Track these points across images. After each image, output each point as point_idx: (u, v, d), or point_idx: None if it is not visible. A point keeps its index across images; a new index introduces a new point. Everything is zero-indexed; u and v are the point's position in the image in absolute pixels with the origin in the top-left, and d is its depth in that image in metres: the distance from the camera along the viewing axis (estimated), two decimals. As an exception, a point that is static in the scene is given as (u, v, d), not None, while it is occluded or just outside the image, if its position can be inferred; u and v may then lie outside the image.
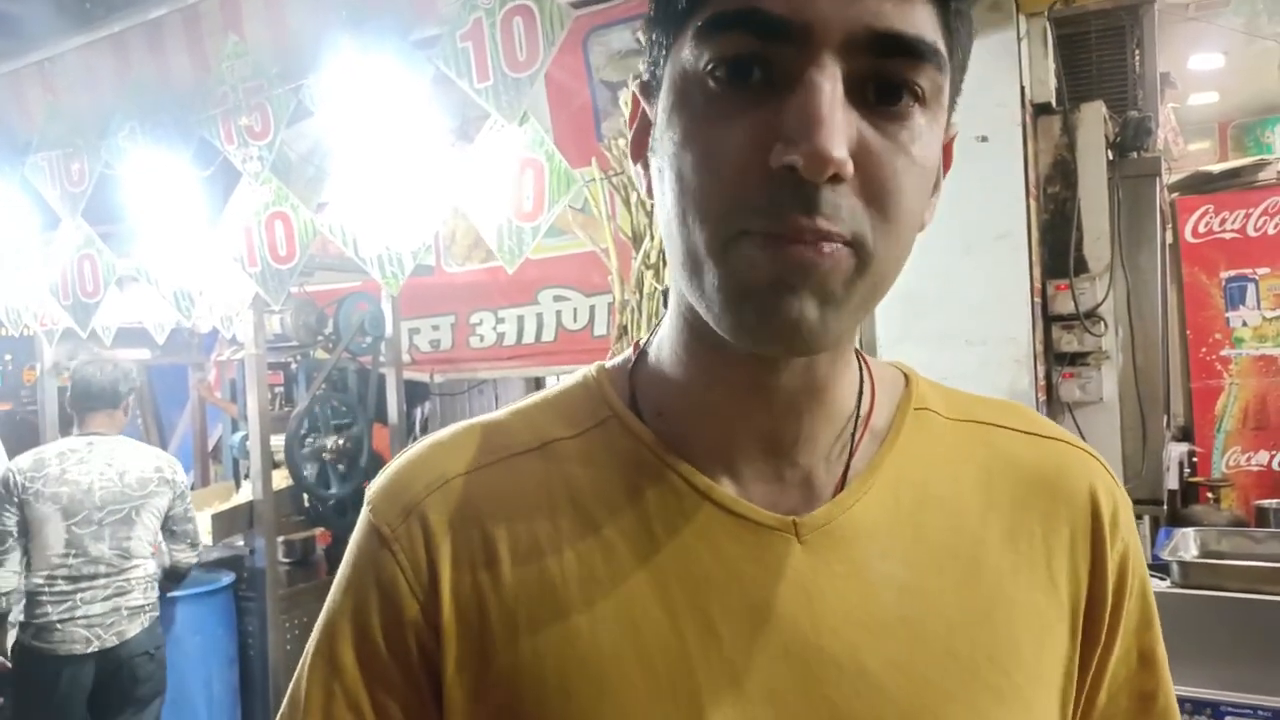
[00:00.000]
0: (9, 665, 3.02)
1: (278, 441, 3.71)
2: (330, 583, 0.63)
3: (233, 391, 4.57)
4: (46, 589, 2.91)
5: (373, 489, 0.62)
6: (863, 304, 0.51)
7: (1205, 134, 5.13)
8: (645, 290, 2.38)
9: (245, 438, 3.77)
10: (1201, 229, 3.71)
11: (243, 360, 3.66)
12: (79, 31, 3.12)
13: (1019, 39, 2.25)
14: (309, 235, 2.75)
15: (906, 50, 0.48)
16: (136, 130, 3.00)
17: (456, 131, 3.31)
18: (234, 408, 4.41)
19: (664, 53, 0.54)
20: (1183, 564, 2.11)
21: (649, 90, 0.57)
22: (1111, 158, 2.51)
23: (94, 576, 2.93)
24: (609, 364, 0.65)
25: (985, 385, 2.18)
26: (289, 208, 2.76)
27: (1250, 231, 3.65)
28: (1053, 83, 2.38)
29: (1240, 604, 1.96)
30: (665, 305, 0.62)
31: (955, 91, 0.54)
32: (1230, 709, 1.72)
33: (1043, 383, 2.35)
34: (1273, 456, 3.63)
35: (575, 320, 3.86)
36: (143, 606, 3.02)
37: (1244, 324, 3.68)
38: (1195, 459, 3.64)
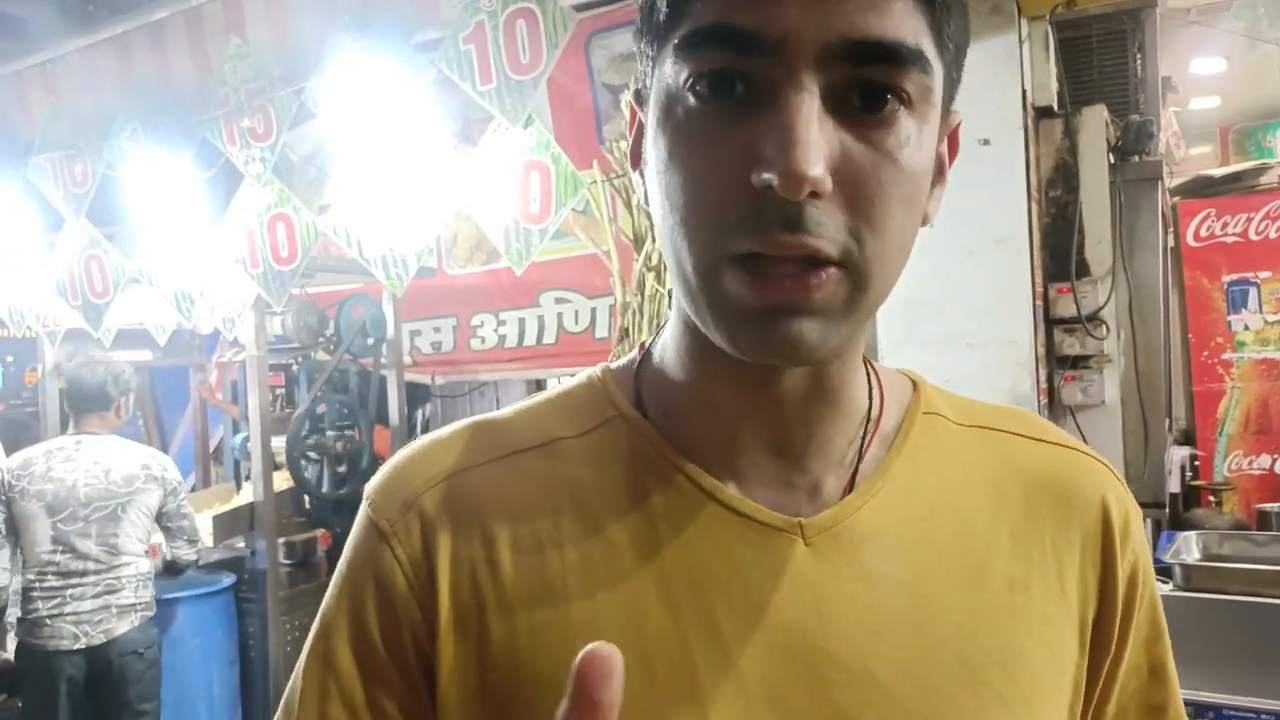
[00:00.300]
0: (10, 660, 3.04)
1: (279, 443, 3.72)
2: (331, 584, 0.62)
3: (234, 393, 4.57)
4: (38, 585, 2.95)
5: (372, 484, 0.62)
6: (864, 314, 0.51)
7: (1207, 138, 5.13)
8: (647, 292, 2.38)
9: (246, 439, 3.77)
10: (1203, 233, 3.71)
11: (244, 362, 3.66)
12: (81, 33, 3.13)
13: (1020, 42, 2.25)
14: (311, 237, 2.75)
15: (887, 57, 0.47)
16: (139, 131, 3.00)
17: (459, 134, 3.31)
18: (235, 409, 4.41)
19: (651, 64, 0.53)
20: (1185, 567, 2.11)
21: (642, 99, 0.57)
22: (1113, 161, 2.51)
23: (83, 573, 2.95)
24: (614, 365, 0.65)
25: (987, 388, 2.18)
26: (291, 209, 2.77)
27: (1252, 235, 3.65)
28: (1054, 86, 2.38)
29: (1242, 607, 1.96)
30: (669, 307, 0.62)
31: (952, 84, 0.53)
32: (1232, 712, 1.72)
33: (1044, 386, 2.35)
34: (1274, 460, 3.63)
35: (577, 322, 3.86)
36: (134, 605, 3.02)
37: (1246, 328, 3.68)
38: (1197, 463, 3.64)
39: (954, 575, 0.57)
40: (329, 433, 3.92)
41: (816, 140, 0.46)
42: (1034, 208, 2.31)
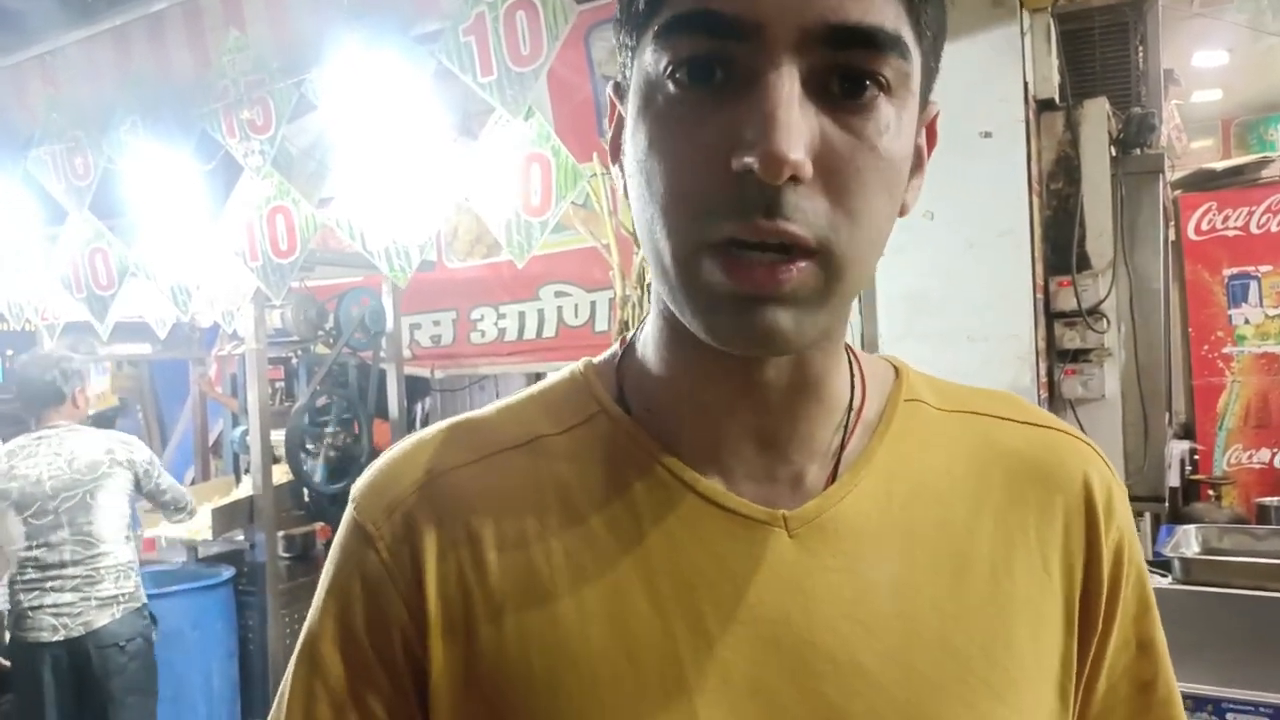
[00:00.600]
0: (6, 664, 3.05)
1: (278, 436, 3.71)
2: (328, 578, 0.62)
3: (233, 386, 4.57)
4: (19, 579, 2.98)
5: (357, 487, 0.62)
6: (840, 302, 0.51)
7: (1209, 131, 5.12)
8: (646, 285, 2.38)
9: (246, 432, 3.77)
10: (1204, 226, 3.70)
11: (243, 355, 3.66)
12: (80, 25, 3.12)
13: (1022, 34, 2.24)
14: (310, 230, 2.75)
15: (866, 42, 0.47)
16: (138, 124, 2.99)
17: (459, 127, 3.31)
18: (234, 403, 4.41)
19: (630, 55, 0.53)
20: (1184, 561, 2.11)
21: (621, 91, 0.57)
22: (1115, 154, 2.51)
23: (61, 565, 2.96)
24: (597, 359, 0.65)
25: (987, 382, 2.16)
26: (290, 202, 2.76)
27: (1253, 229, 3.64)
28: (1056, 79, 2.38)
29: (1242, 600, 1.96)
30: (650, 299, 0.62)
31: (930, 73, 0.54)
32: (1232, 705, 1.72)
33: (1045, 379, 2.35)
34: (1274, 454, 3.63)
35: (576, 316, 3.86)
36: (115, 597, 3.02)
37: (1246, 321, 3.68)
38: (1197, 457, 3.64)
39: (937, 563, 0.57)
40: (328, 426, 3.92)
41: (797, 123, 0.46)
42: (1035, 201, 2.30)
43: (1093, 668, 0.61)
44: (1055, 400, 2.40)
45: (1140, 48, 2.74)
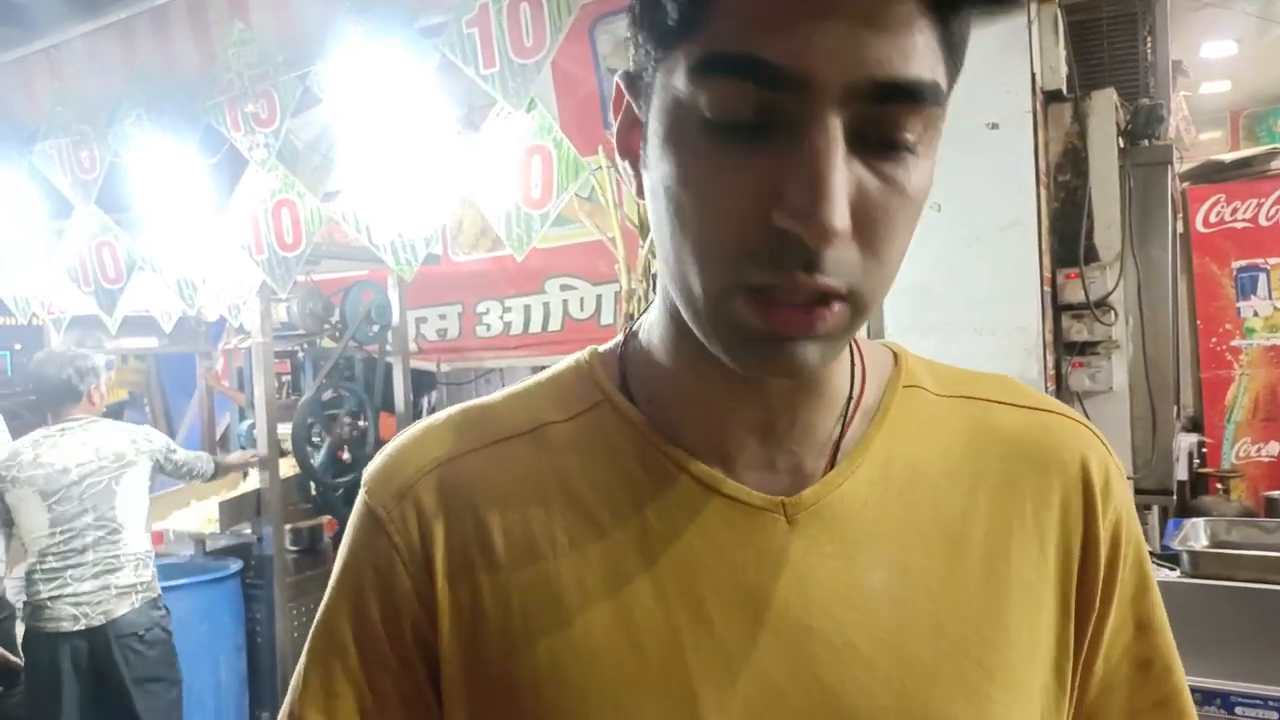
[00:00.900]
0: (19, 662, 3.06)
1: (285, 430, 3.72)
2: (337, 570, 0.63)
3: (240, 380, 4.57)
4: (39, 568, 2.99)
5: (368, 472, 0.64)
6: (858, 330, 0.53)
7: (1217, 123, 5.09)
8: (652, 278, 2.37)
9: (253, 426, 3.78)
10: (1213, 218, 3.69)
11: (250, 349, 3.67)
12: (85, 19, 3.12)
13: (1029, 25, 2.23)
14: (315, 223, 2.75)
15: (909, 96, 0.47)
16: (143, 117, 2.99)
17: (463, 120, 3.30)
18: (241, 396, 4.42)
19: (653, 62, 0.52)
20: (1192, 554, 2.10)
21: (636, 87, 0.56)
22: (1123, 146, 2.49)
23: (82, 551, 2.99)
24: (602, 348, 0.65)
25: (994, 374, 2.16)
26: (295, 195, 2.76)
27: (1262, 221, 3.63)
28: (1064, 70, 2.36)
29: (1250, 594, 1.95)
30: (654, 290, 0.62)
31: (950, 90, 0.53)
32: (1240, 699, 1.71)
33: (1052, 372, 2.34)
34: (1283, 447, 3.62)
35: (582, 309, 3.86)
36: (134, 586, 3.04)
37: (1255, 314, 3.66)
38: (1205, 449, 3.63)
39: (932, 547, 0.57)
40: (335, 420, 3.93)
41: (842, 188, 0.46)
42: (1043, 193, 2.29)
43: (1091, 648, 0.61)
44: (1062, 393, 2.39)
45: (1148, 39, 2.72)
